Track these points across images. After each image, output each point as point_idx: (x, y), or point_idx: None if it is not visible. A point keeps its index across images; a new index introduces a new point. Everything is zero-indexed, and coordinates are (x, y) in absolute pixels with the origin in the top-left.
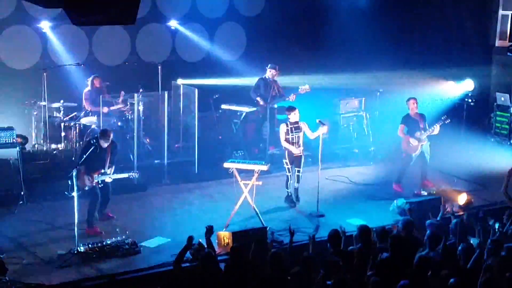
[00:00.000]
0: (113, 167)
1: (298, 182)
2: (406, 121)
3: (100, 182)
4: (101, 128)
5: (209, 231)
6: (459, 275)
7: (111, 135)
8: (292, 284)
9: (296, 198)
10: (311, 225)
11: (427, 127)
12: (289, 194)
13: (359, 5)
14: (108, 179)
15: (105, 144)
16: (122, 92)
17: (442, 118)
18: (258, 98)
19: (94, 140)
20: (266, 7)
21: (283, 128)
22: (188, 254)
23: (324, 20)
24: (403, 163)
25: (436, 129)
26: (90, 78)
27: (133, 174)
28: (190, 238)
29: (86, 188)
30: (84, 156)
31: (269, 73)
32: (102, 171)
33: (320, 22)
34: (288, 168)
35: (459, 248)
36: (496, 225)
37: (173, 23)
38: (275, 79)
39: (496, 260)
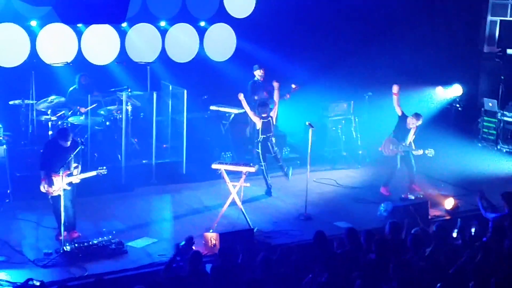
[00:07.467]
0: (79, 167)
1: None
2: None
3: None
4: (80, 127)
5: (189, 241)
6: (444, 279)
7: (71, 135)
8: (282, 286)
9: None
10: (298, 228)
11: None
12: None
13: (350, 8)
14: (75, 180)
15: (65, 144)
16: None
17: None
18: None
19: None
20: (257, 9)
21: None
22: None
23: (315, 22)
24: (391, 166)
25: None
26: (77, 76)
27: (101, 171)
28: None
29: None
30: (43, 160)
31: (259, 74)
32: (68, 172)
33: (310, 24)
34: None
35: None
36: (473, 230)
37: (163, 24)
38: (262, 79)
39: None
